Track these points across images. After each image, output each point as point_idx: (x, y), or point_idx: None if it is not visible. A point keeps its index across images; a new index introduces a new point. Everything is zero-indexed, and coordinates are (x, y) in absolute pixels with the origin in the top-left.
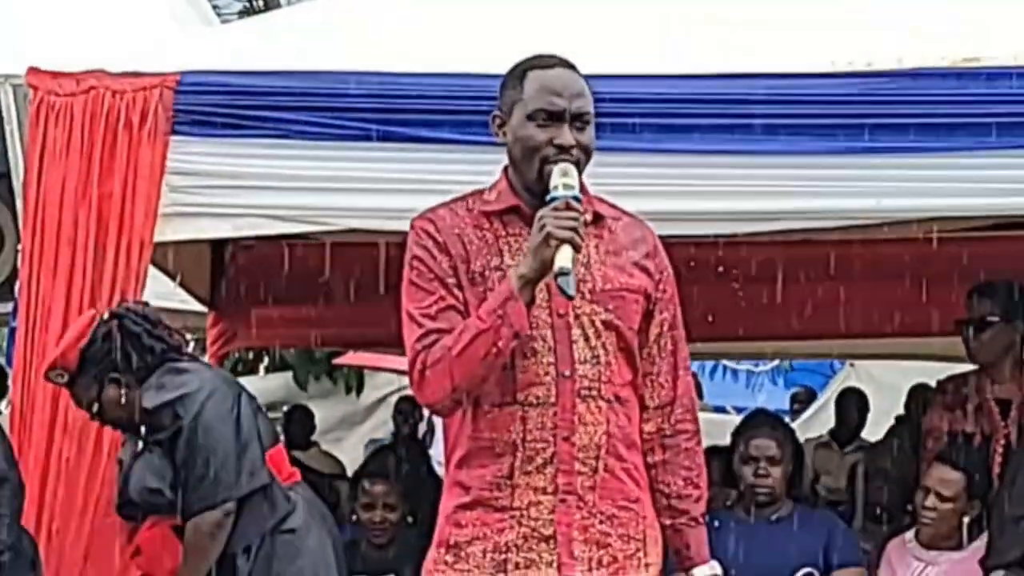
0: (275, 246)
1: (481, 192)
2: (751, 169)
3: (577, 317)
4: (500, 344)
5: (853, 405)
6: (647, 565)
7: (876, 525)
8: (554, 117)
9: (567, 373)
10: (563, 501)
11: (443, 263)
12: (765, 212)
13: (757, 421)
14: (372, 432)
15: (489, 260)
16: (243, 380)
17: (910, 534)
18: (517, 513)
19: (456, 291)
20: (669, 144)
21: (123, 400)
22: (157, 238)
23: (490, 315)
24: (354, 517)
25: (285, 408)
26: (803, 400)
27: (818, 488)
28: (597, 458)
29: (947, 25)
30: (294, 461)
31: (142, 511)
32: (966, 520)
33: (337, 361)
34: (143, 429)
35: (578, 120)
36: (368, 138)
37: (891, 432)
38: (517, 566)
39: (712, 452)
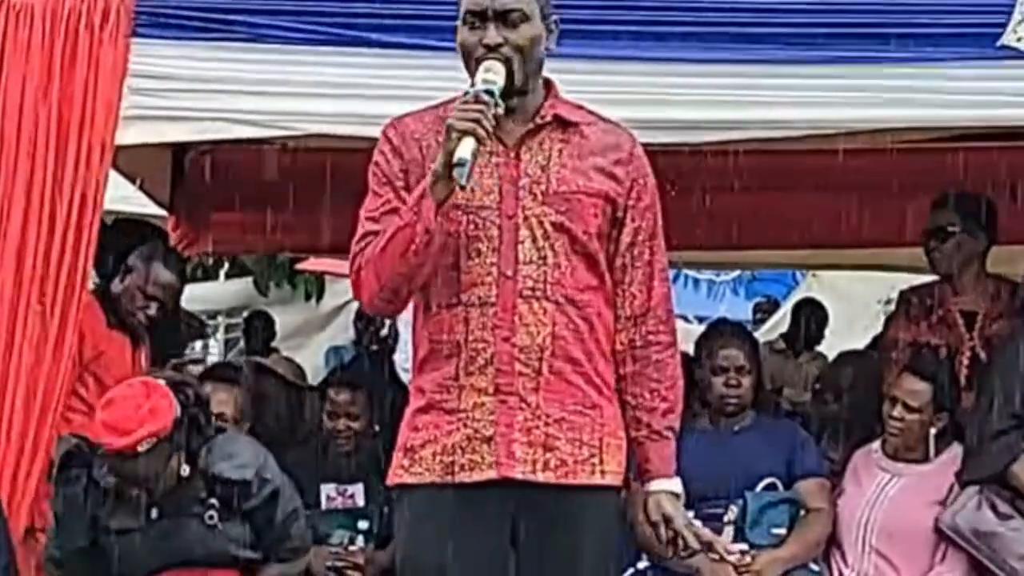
0: (237, 151)
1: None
2: (715, 78)
3: (526, 219)
4: (417, 241)
5: (811, 316)
6: (603, 472)
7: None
8: (480, 17)
9: (509, 273)
10: (503, 402)
11: (395, 166)
12: (729, 121)
13: (724, 331)
14: (332, 339)
15: (411, 164)
16: (203, 286)
17: (876, 444)
18: (463, 415)
19: (404, 194)
20: (631, 52)
21: (182, 472)
22: (118, 141)
23: (407, 212)
24: (321, 425)
25: (245, 314)
26: (766, 310)
27: (780, 401)
28: (540, 359)
29: None
30: (258, 365)
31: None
32: (932, 432)
33: (298, 267)
34: (210, 499)
35: (505, 18)
36: (333, 43)
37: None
38: (462, 468)
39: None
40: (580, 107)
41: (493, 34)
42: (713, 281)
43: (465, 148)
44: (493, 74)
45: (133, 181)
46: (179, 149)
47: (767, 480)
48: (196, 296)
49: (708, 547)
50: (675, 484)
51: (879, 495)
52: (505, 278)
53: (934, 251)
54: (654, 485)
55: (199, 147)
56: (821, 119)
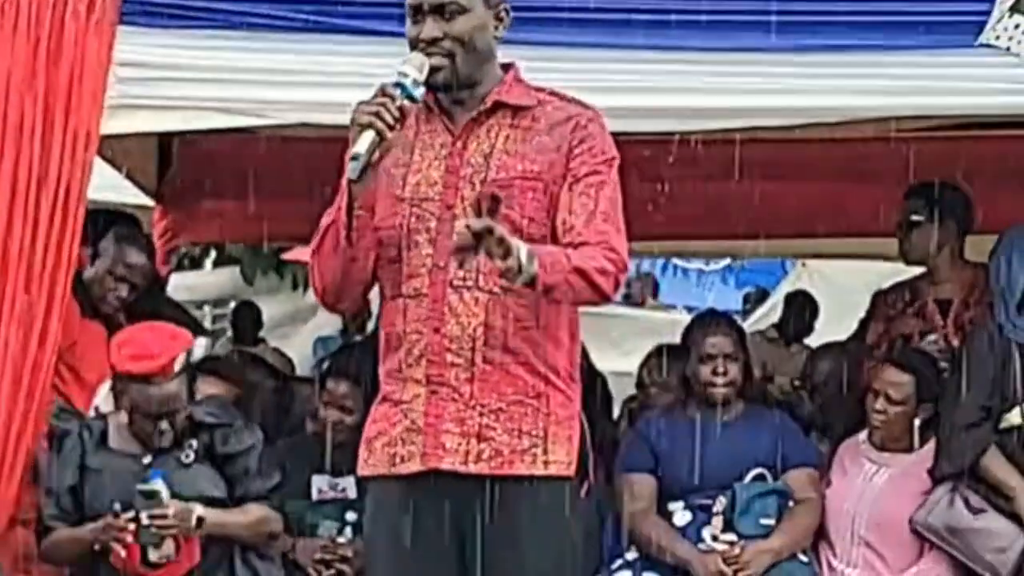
0: (223, 139)
1: None
2: (705, 65)
3: (464, 209)
4: (339, 237)
5: (802, 309)
6: (547, 462)
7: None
8: (417, 10)
9: (441, 264)
10: (434, 392)
11: None
12: (719, 109)
13: (711, 320)
14: (319, 329)
15: (400, 156)
16: (189, 275)
17: (863, 435)
18: (405, 406)
19: None
20: (621, 39)
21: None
22: (104, 130)
23: (333, 209)
24: (313, 415)
25: (232, 303)
26: (755, 299)
27: (770, 389)
28: (472, 350)
29: None
30: (246, 355)
31: None
32: (917, 422)
33: (285, 256)
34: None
35: (441, 11)
36: (319, 31)
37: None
38: (402, 459)
39: (663, 351)
40: (541, 90)
41: (430, 28)
42: (702, 270)
43: (362, 142)
44: (410, 67)
45: (119, 170)
46: (165, 138)
47: (756, 471)
48: (182, 285)
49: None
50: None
51: (866, 486)
52: (437, 269)
53: (904, 241)
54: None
55: (185, 136)
56: (810, 107)
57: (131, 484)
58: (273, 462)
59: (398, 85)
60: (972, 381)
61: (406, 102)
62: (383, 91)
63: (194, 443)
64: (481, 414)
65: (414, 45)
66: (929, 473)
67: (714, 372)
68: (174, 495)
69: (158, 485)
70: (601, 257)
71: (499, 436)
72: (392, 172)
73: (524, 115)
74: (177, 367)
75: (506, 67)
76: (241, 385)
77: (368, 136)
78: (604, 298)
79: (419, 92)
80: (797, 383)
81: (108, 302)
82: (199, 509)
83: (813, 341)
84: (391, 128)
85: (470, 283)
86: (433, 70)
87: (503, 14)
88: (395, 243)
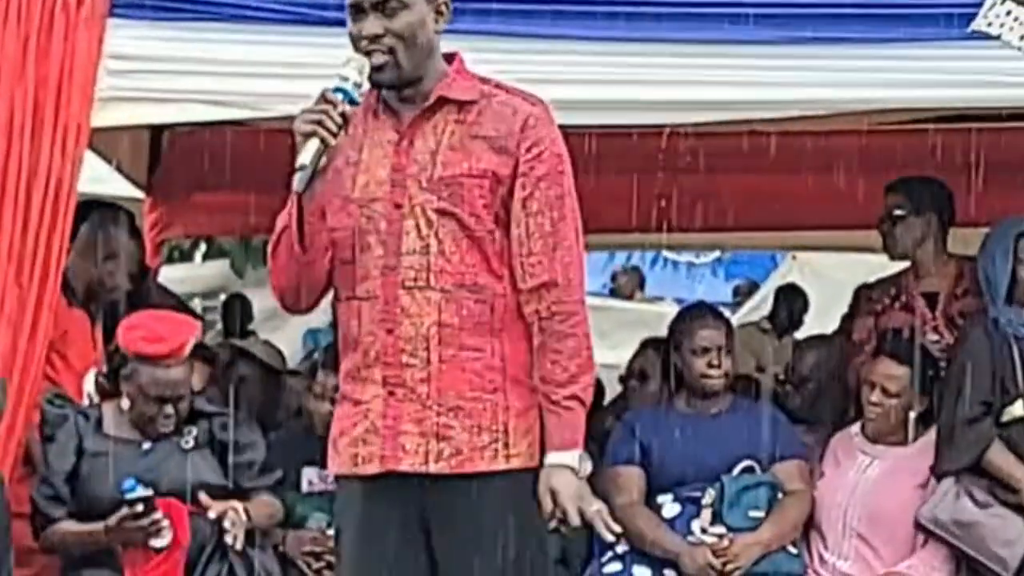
0: (214, 132)
1: None
2: (696, 58)
3: (412, 208)
4: (294, 241)
5: (792, 302)
6: (508, 456)
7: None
8: (357, 8)
9: (391, 265)
10: (392, 394)
11: None
12: (710, 102)
13: (701, 312)
14: (309, 321)
15: (349, 155)
16: (179, 267)
17: (856, 428)
18: (364, 407)
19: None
20: (612, 32)
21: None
22: (94, 123)
23: (284, 213)
24: (302, 408)
25: (222, 296)
26: (745, 292)
27: (760, 380)
28: (427, 349)
29: None
30: (236, 348)
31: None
32: (912, 415)
33: None
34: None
35: (382, 7)
36: (310, 22)
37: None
38: (363, 460)
39: (652, 343)
40: (486, 81)
41: (371, 24)
42: (692, 263)
43: (307, 152)
44: (350, 69)
45: (109, 163)
46: (156, 130)
47: (745, 463)
48: (172, 278)
49: (590, 522)
50: (570, 457)
51: (859, 478)
52: (388, 270)
53: (887, 236)
54: (548, 458)
55: (176, 128)
56: (801, 100)
57: (130, 469)
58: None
59: (339, 90)
60: (971, 376)
61: (348, 107)
62: (324, 97)
63: (193, 430)
64: (439, 413)
65: (356, 42)
66: (931, 469)
67: (709, 365)
68: (172, 483)
69: (143, 491)
70: (567, 303)
71: (458, 435)
72: (342, 171)
73: (469, 110)
74: (186, 352)
75: (449, 58)
76: (214, 365)
77: (312, 145)
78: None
79: (360, 95)
80: (782, 376)
81: (107, 288)
82: (239, 507)
83: (803, 334)
84: (334, 135)
85: (422, 283)
86: (376, 68)
87: (443, 8)
88: (348, 245)
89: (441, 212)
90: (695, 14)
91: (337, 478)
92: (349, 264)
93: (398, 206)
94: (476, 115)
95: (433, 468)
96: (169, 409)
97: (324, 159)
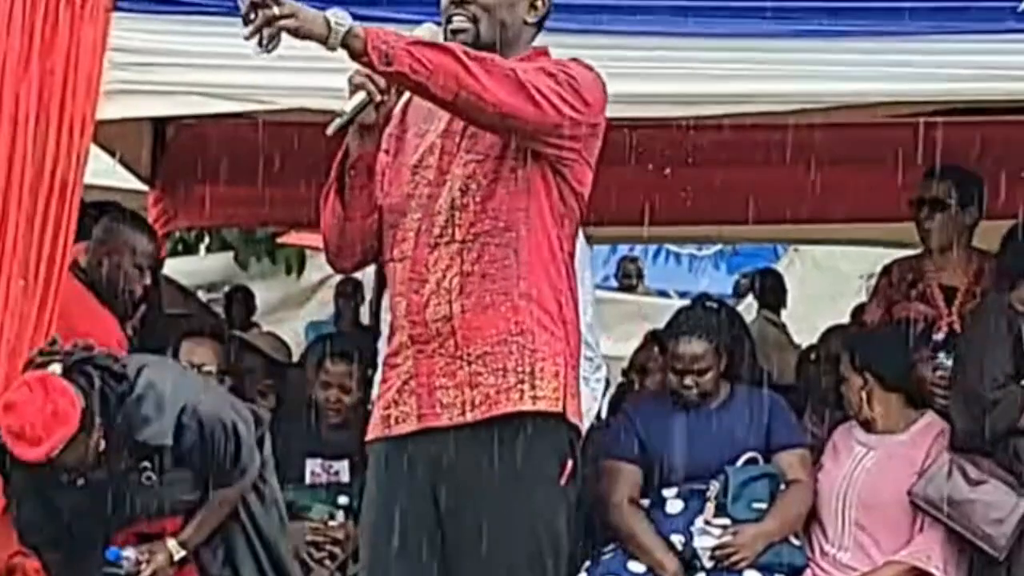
0: (218, 125)
1: None
2: (703, 52)
3: (451, 170)
4: (333, 196)
5: (774, 287)
6: (534, 398)
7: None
8: None
9: (426, 227)
10: (421, 351)
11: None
12: (716, 95)
13: (688, 322)
14: (313, 314)
15: (420, 126)
16: (183, 260)
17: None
18: (399, 368)
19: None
20: (622, 26)
21: (99, 448)
22: (99, 116)
23: (335, 163)
24: (309, 399)
25: (226, 288)
26: (747, 285)
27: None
28: (450, 302)
29: None
30: (240, 340)
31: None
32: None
33: (279, 241)
34: (141, 463)
35: None
36: None
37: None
38: (396, 420)
39: (655, 338)
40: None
41: None
42: (695, 256)
43: (350, 103)
44: (422, 33)
45: (113, 156)
46: (160, 123)
47: (748, 455)
48: (176, 270)
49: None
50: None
51: (856, 468)
52: (421, 232)
53: (927, 221)
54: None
55: (180, 121)
56: (807, 93)
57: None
58: (251, 444)
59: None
60: (991, 353)
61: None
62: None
63: (147, 464)
64: (469, 362)
65: (443, 11)
66: (951, 447)
67: (683, 385)
68: (151, 515)
69: (127, 562)
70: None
71: (486, 379)
72: (409, 141)
73: None
74: (56, 453)
75: (540, 53)
76: (222, 340)
77: (358, 96)
78: (498, 103)
79: None
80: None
81: (133, 291)
82: (172, 547)
83: (795, 323)
84: (383, 92)
85: (447, 238)
86: (454, 31)
87: (539, 2)
88: (400, 210)
89: (468, 163)
90: (699, 8)
91: (368, 444)
92: (393, 228)
93: (444, 172)
94: None
95: (469, 417)
96: (74, 477)
97: (368, 114)
